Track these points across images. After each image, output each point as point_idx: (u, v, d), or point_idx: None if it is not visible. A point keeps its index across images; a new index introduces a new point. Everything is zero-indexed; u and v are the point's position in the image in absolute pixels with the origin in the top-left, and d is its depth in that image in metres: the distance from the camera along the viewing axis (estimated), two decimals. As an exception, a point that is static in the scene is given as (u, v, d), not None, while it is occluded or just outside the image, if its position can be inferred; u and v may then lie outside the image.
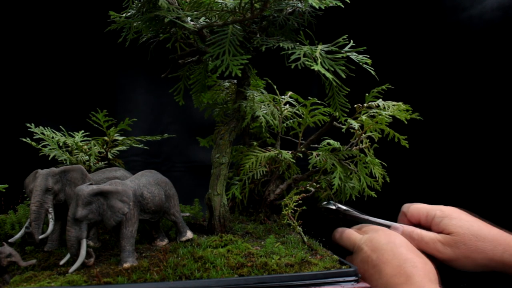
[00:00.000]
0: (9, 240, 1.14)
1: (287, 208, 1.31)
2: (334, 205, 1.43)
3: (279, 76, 1.65)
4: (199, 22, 1.31)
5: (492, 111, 1.75)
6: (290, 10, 1.36)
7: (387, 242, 1.16)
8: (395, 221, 1.36)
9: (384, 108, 1.39)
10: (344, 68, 1.15)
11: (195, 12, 1.29)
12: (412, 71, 2.02)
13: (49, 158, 1.46)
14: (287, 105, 1.63)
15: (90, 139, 1.55)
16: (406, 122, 1.39)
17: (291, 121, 1.61)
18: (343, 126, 1.41)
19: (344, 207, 1.43)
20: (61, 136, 1.52)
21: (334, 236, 1.37)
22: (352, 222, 1.40)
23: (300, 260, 1.10)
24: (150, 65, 1.80)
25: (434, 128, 1.91)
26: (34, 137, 1.49)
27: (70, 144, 1.50)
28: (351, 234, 1.30)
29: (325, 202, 1.45)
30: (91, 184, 1.15)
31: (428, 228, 1.26)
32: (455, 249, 1.17)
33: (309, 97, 1.49)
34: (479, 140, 1.79)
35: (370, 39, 1.48)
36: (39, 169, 1.22)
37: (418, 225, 1.30)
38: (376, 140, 1.46)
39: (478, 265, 1.16)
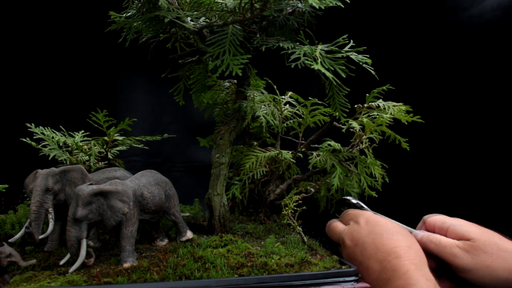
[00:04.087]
0: (9, 240, 1.14)
1: (287, 208, 1.31)
2: (355, 199, 1.38)
3: (279, 76, 1.65)
4: (199, 22, 1.31)
5: (492, 111, 1.75)
6: (290, 10, 1.36)
7: (368, 233, 1.12)
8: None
9: (385, 109, 1.39)
10: (344, 67, 1.15)
11: (195, 12, 1.29)
12: (412, 72, 2.02)
13: (49, 158, 1.46)
14: (287, 105, 1.63)
15: (90, 139, 1.55)
16: (406, 123, 1.39)
17: (291, 121, 1.61)
18: (343, 127, 1.41)
19: (364, 205, 1.38)
20: (61, 136, 1.52)
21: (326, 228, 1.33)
22: None
23: (300, 260, 1.10)
24: (150, 65, 1.80)
25: (434, 128, 1.91)
26: (34, 137, 1.49)
27: (70, 144, 1.50)
28: (336, 227, 1.26)
29: (346, 197, 1.40)
30: (91, 184, 1.15)
31: (443, 235, 1.19)
32: (474, 256, 1.07)
33: (309, 97, 1.49)
34: (479, 140, 1.79)
35: (370, 39, 1.48)
36: (39, 169, 1.22)
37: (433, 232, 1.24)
38: (377, 141, 1.46)
39: (498, 278, 1.06)
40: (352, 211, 1.29)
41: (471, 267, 1.07)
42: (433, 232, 1.22)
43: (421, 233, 1.21)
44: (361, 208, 1.36)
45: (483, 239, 1.08)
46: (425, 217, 1.28)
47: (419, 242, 1.18)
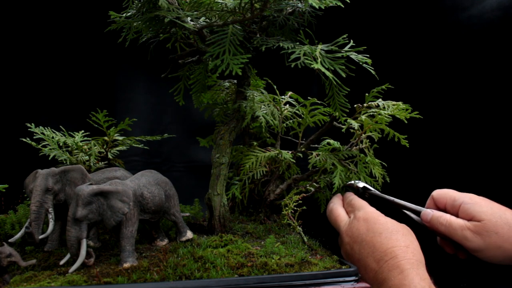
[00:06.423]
0: (9, 240, 1.14)
1: (287, 208, 1.31)
2: (362, 183, 1.37)
3: (279, 76, 1.65)
4: (199, 22, 1.31)
5: (492, 111, 1.75)
6: (290, 10, 1.36)
7: (366, 230, 1.11)
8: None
9: (384, 107, 1.39)
10: (344, 67, 1.15)
11: (195, 12, 1.29)
12: (412, 71, 2.02)
13: (49, 158, 1.46)
14: (287, 105, 1.63)
15: (90, 139, 1.55)
16: (406, 122, 1.39)
17: (291, 121, 1.61)
18: (343, 126, 1.42)
19: (372, 188, 1.38)
20: (61, 136, 1.52)
21: (327, 212, 1.32)
22: (378, 203, 1.33)
23: (300, 260, 1.10)
24: (150, 65, 1.80)
25: (434, 127, 1.91)
26: (34, 137, 1.49)
27: (70, 144, 1.50)
28: (337, 217, 1.25)
29: (352, 181, 1.40)
30: (91, 184, 1.15)
31: (454, 214, 1.17)
32: (485, 238, 1.07)
33: (309, 97, 1.49)
34: (479, 139, 1.79)
35: (370, 39, 1.48)
36: (39, 169, 1.22)
37: (444, 210, 1.21)
38: (376, 140, 1.46)
39: (509, 257, 1.07)
40: (354, 201, 1.26)
41: (482, 248, 1.08)
42: (444, 209, 1.20)
43: (431, 214, 1.19)
44: (368, 191, 1.35)
45: (494, 220, 1.08)
46: (434, 192, 1.25)
47: (428, 222, 1.18)
